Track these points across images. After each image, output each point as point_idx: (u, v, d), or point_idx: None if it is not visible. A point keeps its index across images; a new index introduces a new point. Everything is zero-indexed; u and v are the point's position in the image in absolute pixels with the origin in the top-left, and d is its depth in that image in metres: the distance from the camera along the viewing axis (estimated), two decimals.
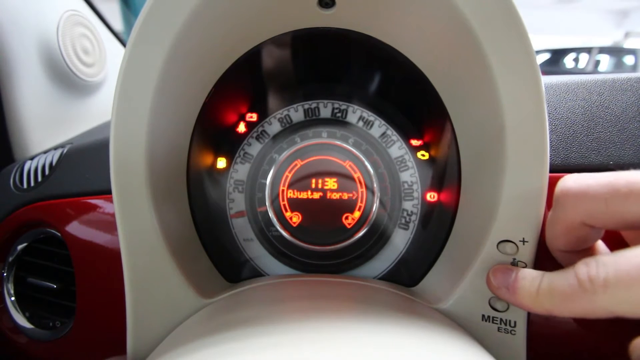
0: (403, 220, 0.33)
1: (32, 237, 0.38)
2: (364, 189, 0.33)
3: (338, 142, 0.34)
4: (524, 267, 0.24)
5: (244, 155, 0.35)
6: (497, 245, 0.25)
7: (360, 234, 0.33)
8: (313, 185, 0.34)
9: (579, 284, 0.18)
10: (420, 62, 0.29)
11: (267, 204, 0.34)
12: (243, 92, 0.34)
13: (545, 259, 0.25)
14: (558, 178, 0.29)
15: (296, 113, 0.35)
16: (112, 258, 0.34)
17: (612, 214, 0.19)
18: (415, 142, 0.34)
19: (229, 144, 0.35)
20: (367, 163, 0.34)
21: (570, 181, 0.21)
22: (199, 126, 0.31)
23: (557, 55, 5.02)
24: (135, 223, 0.25)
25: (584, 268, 0.18)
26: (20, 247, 0.38)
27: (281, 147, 0.34)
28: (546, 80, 0.34)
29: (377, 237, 0.33)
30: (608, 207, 0.19)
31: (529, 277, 0.21)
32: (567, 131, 0.31)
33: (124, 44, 0.70)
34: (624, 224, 0.19)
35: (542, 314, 0.21)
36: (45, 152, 0.45)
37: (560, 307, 0.19)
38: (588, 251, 0.23)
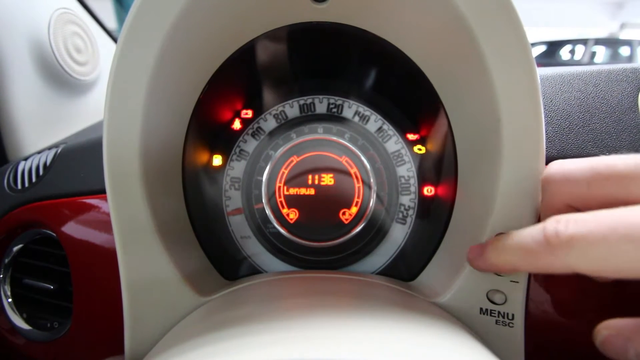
0: (400, 215, 0.33)
1: (27, 238, 0.38)
2: (360, 184, 0.33)
3: (334, 138, 0.34)
4: None
5: (239, 152, 0.34)
6: None
7: (358, 229, 0.33)
8: (310, 182, 0.33)
9: (545, 239, 0.18)
10: (415, 55, 0.29)
11: (263, 201, 0.34)
12: (238, 88, 0.34)
13: None
14: None
15: (292, 109, 0.35)
16: (108, 257, 0.33)
17: (594, 196, 0.19)
18: (411, 137, 0.33)
19: (225, 141, 0.34)
20: (363, 158, 0.33)
21: (555, 166, 0.22)
22: (194, 123, 0.31)
23: (553, 47, 5.02)
24: (130, 222, 0.25)
25: (554, 224, 0.18)
26: (16, 248, 0.38)
27: (277, 144, 0.34)
28: (542, 72, 0.34)
29: (375, 232, 0.33)
30: (590, 189, 0.19)
31: (497, 238, 0.22)
32: (563, 123, 0.31)
33: (117, 41, 0.69)
34: (607, 205, 0.19)
35: (508, 272, 0.21)
36: (39, 152, 0.44)
37: (524, 262, 0.19)
38: None
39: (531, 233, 0.19)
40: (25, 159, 0.43)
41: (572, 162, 0.21)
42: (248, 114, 0.35)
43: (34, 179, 0.40)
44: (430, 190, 0.33)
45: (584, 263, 0.17)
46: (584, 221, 0.17)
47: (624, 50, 4.72)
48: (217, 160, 0.34)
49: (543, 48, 5.02)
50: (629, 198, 0.18)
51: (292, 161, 0.34)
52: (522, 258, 0.20)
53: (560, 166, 0.21)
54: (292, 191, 0.34)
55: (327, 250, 0.33)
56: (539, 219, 0.24)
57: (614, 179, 0.18)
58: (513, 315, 0.25)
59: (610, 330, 0.20)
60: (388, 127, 0.34)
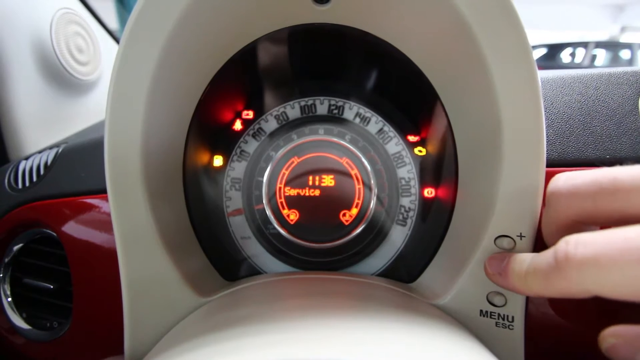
0: (401, 217, 0.33)
1: (27, 238, 0.38)
2: (361, 186, 0.33)
3: (335, 139, 0.34)
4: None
5: (240, 153, 0.34)
6: (495, 241, 0.25)
7: (358, 230, 0.33)
8: (310, 183, 0.33)
9: (556, 262, 0.18)
10: (416, 57, 0.29)
11: (264, 201, 0.34)
12: (239, 89, 0.34)
13: None
14: (555, 173, 0.29)
15: (292, 110, 0.35)
16: (108, 257, 0.33)
17: (601, 211, 0.19)
18: (412, 138, 0.33)
19: (226, 142, 0.34)
20: (364, 160, 0.33)
21: (561, 181, 0.21)
22: (195, 124, 0.31)
23: (554, 50, 5.02)
24: (131, 222, 0.25)
25: (564, 246, 0.18)
26: (16, 247, 0.38)
27: (278, 145, 0.34)
28: (543, 74, 0.34)
29: (375, 234, 0.33)
30: (597, 204, 0.19)
31: (519, 259, 0.21)
32: (563, 126, 0.31)
33: (118, 42, 0.69)
34: (614, 220, 0.19)
35: (534, 296, 0.21)
36: (40, 151, 0.44)
37: (544, 287, 0.19)
38: None
39: (546, 257, 0.19)
40: (26, 158, 0.43)
41: (578, 176, 0.20)
42: (249, 114, 0.35)
43: (34, 179, 0.40)
44: (431, 192, 0.33)
45: (599, 286, 0.16)
46: (593, 243, 0.17)
47: (625, 54, 4.73)
48: (217, 160, 0.34)
49: (544, 51, 5.03)
50: (637, 212, 0.17)
51: (292, 162, 0.34)
52: (542, 284, 0.19)
53: (566, 180, 0.21)
54: (293, 192, 0.34)
55: (327, 252, 0.33)
56: (539, 225, 0.24)
57: (619, 193, 0.18)
58: (513, 317, 0.25)
59: (618, 338, 0.20)
60: (389, 129, 0.34)
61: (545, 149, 0.23)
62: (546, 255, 0.19)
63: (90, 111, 0.60)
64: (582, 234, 0.18)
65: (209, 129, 0.33)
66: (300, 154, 0.34)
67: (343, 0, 0.27)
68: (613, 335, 0.20)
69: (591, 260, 0.16)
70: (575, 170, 0.29)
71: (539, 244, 0.24)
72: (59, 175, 0.39)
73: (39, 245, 0.38)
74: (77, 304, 0.35)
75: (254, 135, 0.35)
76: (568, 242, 0.18)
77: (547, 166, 0.24)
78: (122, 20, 1.40)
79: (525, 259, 0.21)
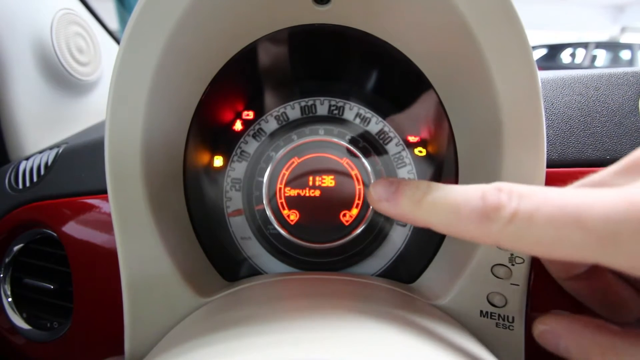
0: None
1: (28, 238, 0.38)
2: (361, 186, 0.33)
3: (335, 140, 0.34)
4: (521, 264, 0.24)
5: (240, 154, 0.34)
6: None
7: (358, 231, 0.33)
8: (310, 183, 0.34)
9: (482, 208, 0.16)
10: (416, 58, 0.29)
11: (264, 202, 0.34)
12: (239, 89, 0.34)
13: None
14: (555, 173, 0.29)
15: (293, 110, 0.35)
16: (108, 258, 0.33)
17: None
18: (412, 139, 0.33)
19: (226, 142, 0.34)
20: (364, 160, 0.33)
21: None
22: (195, 124, 0.31)
23: (554, 50, 5.02)
24: (131, 222, 0.25)
25: (496, 193, 0.16)
26: (16, 247, 0.38)
27: (278, 145, 0.34)
28: (543, 75, 0.34)
29: (375, 235, 0.33)
30: None
31: (413, 185, 0.20)
32: (563, 126, 0.31)
33: (119, 42, 0.69)
34: None
35: (419, 225, 0.19)
36: (40, 152, 0.44)
37: (447, 225, 0.18)
38: (594, 278, 0.23)
39: (466, 195, 0.17)
40: (27, 158, 0.43)
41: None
42: (249, 115, 0.35)
43: (35, 179, 0.40)
44: None
45: (521, 242, 0.15)
46: (531, 196, 0.16)
47: (625, 54, 4.73)
48: (218, 161, 0.34)
49: (544, 51, 5.03)
50: None
51: (293, 162, 0.34)
52: (446, 220, 0.18)
53: None
54: (293, 192, 0.34)
55: (327, 252, 0.33)
56: None
57: None
58: (513, 318, 0.25)
59: (545, 325, 0.20)
60: (389, 129, 0.34)
61: (545, 150, 0.23)
62: (468, 192, 0.17)
63: (90, 111, 0.60)
64: (517, 185, 0.16)
65: (209, 129, 0.33)
66: (300, 155, 0.34)
67: (343, 0, 0.27)
68: (542, 323, 0.20)
69: (524, 214, 0.15)
70: (575, 170, 0.29)
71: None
72: (59, 175, 0.39)
73: (39, 246, 0.38)
74: (77, 304, 0.35)
75: (254, 136, 0.35)
76: (501, 189, 0.16)
77: (547, 166, 0.24)
78: (123, 20, 1.41)
79: (421, 186, 0.19)
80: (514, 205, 0.16)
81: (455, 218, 0.17)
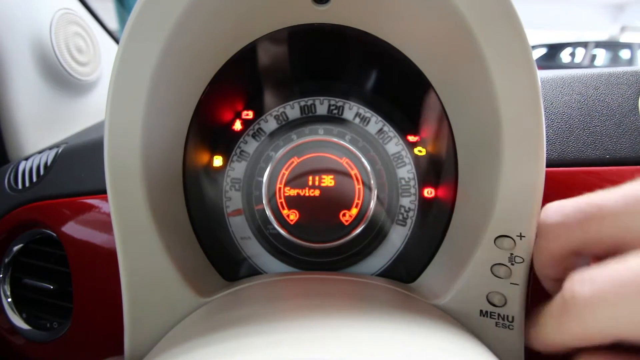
0: (400, 217, 0.33)
1: (28, 238, 0.38)
2: (361, 186, 0.33)
3: (335, 139, 0.34)
4: (520, 263, 0.24)
5: (240, 153, 0.34)
6: (495, 241, 0.25)
7: (358, 230, 0.33)
8: (310, 183, 0.33)
9: (564, 304, 0.17)
10: (416, 57, 0.29)
11: (264, 202, 0.34)
12: (239, 89, 0.34)
13: None
14: (555, 173, 0.29)
15: (292, 110, 0.35)
16: (108, 258, 0.33)
17: (591, 239, 0.18)
18: (412, 138, 0.33)
19: (225, 142, 0.34)
20: (364, 160, 0.33)
21: (550, 211, 0.21)
22: (195, 124, 0.31)
23: (554, 49, 5.02)
24: (131, 222, 0.25)
25: (569, 285, 0.17)
26: (16, 248, 0.38)
27: (277, 145, 0.34)
28: (542, 74, 0.34)
29: (375, 234, 0.33)
30: (585, 233, 0.18)
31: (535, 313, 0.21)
32: (563, 125, 0.31)
33: (118, 42, 0.69)
34: (605, 247, 0.18)
35: (552, 350, 0.19)
36: (40, 152, 0.44)
37: (558, 333, 0.18)
38: None
39: (555, 300, 0.18)
40: (26, 158, 0.43)
41: (566, 205, 0.20)
42: (249, 115, 0.35)
43: (34, 179, 0.40)
44: (431, 192, 0.33)
45: (614, 324, 0.15)
46: (597, 279, 0.16)
47: (625, 54, 4.73)
48: (217, 161, 0.34)
49: (544, 51, 5.03)
50: (626, 237, 0.17)
51: (292, 162, 0.34)
52: (555, 329, 0.18)
53: (555, 210, 0.20)
54: (293, 192, 0.34)
55: (327, 252, 0.33)
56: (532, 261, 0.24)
57: (606, 220, 0.17)
58: (513, 317, 0.25)
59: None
60: (389, 129, 0.34)
61: (545, 149, 0.23)
62: (555, 298, 0.18)
63: (89, 111, 0.60)
64: (586, 270, 0.17)
65: (208, 129, 0.33)
66: (300, 154, 0.34)
67: (343, 0, 0.27)
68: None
69: (599, 296, 0.15)
70: (575, 169, 0.29)
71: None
72: (59, 175, 0.39)
73: (39, 246, 0.38)
74: (77, 304, 0.35)
75: (253, 136, 0.35)
76: (573, 281, 0.17)
77: (547, 166, 0.24)
78: (122, 20, 1.40)
79: (540, 311, 0.20)
80: (587, 290, 0.16)
81: (560, 324, 0.17)
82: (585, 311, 0.16)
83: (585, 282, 0.16)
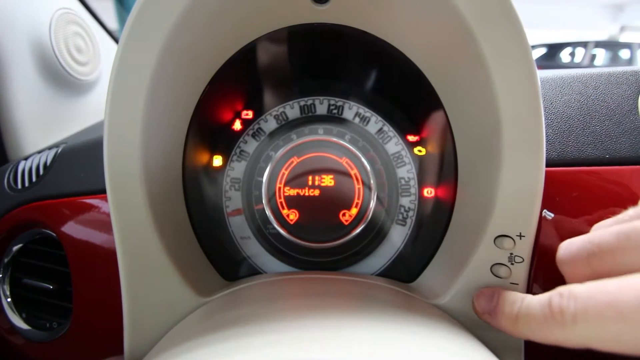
0: (400, 217, 0.33)
1: (27, 238, 0.38)
2: (360, 186, 0.33)
3: (334, 139, 0.34)
4: (520, 263, 0.24)
5: (240, 153, 0.34)
6: (494, 240, 0.25)
7: (358, 230, 0.33)
8: (310, 182, 0.33)
9: (551, 314, 0.18)
10: (415, 57, 0.29)
11: (264, 201, 0.34)
12: (238, 89, 0.34)
13: (544, 254, 0.25)
14: (555, 172, 0.29)
15: (292, 110, 0.35)
16: (108, 258, 0.33)
17: (599, 273, 0.20)
18: (411, 138, 0.33)
19: (225, 142, 0.34)
20: (363, 159, 0.33)
21: (561, 250, 0.22)
22: (194, 124, 0.31)
23: (553, 49, 5.02)
24: (130, 222, 0.25)
25: (557, 298, 0.18)
26: (15, 248, 0.38)
27: (277, 145, 0.34)
28: (542, 74, 0.34)
29: (375, 234, 0.33)
30: (593, 268, 0.20)
31: (510, 300, 0.22)
32: (563, 125, 0.31)
33: (118, 42, 0.69)
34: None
35: (524, 339, 0.21)
36: (39, 152, 0.44)
37: (537, 334, 0.19)
38: None
39: (540, 304, 0.19)
40: (26, 158, 0.43)
41: (572, 243, 0.21)
42: (248, 114, 0.35)
43: (34, 179, 0.40)
44: (430, 192, 0.33)
45: (596, 341, 0.17)
46: (585, 298, 0.17)
47: (624, 53, 4.73)
48: (217, 160, 0.34)
49: (543, 50, 5.03)
50: (621, 269, 0.18)
51: (292, 162, 0.34)
52: (535, 331, 0.19)
53: (564, 249, 0.22)
54: (292, 192, 0.34)
55: (327, 252, 0.33)
56: (539, 225, 0.24)
57: (605, 256, 0.19)
58: None
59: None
60: (388, 129, 0.34)
61: (544, 149, 0.23)
62: (540, 302, 0.19)
63: (89, 111, 0.60)
64: (574, 285, 0.18)
65: (208, 129, 0.33)
66: (299, 154, 0.34)
67: (342, 0, 0.27)
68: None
69: (582, 316, 0.17)
70: (575, 169, 0.29)
71: (539, 250, 0.24)
72: (58, 175, 0.39)
73: (38, 246, 0.38)
74: (77, 304, 0.35)
75: (253, 135, 0.35)
76: (562, 294, 0.18)
77: (547, 166, 0.24)
78: (122, 20, 1.40)
79: (516, 300, 0.21)
80: (572, 308, 0.17)
81: (540, 329, 0.19)
82: (566, 325, 0.17)
83: (571, 298, 0.18)
